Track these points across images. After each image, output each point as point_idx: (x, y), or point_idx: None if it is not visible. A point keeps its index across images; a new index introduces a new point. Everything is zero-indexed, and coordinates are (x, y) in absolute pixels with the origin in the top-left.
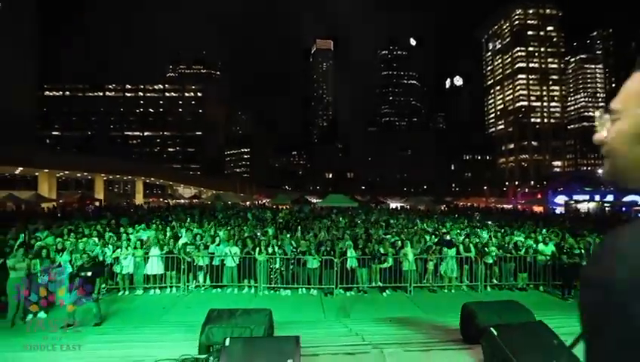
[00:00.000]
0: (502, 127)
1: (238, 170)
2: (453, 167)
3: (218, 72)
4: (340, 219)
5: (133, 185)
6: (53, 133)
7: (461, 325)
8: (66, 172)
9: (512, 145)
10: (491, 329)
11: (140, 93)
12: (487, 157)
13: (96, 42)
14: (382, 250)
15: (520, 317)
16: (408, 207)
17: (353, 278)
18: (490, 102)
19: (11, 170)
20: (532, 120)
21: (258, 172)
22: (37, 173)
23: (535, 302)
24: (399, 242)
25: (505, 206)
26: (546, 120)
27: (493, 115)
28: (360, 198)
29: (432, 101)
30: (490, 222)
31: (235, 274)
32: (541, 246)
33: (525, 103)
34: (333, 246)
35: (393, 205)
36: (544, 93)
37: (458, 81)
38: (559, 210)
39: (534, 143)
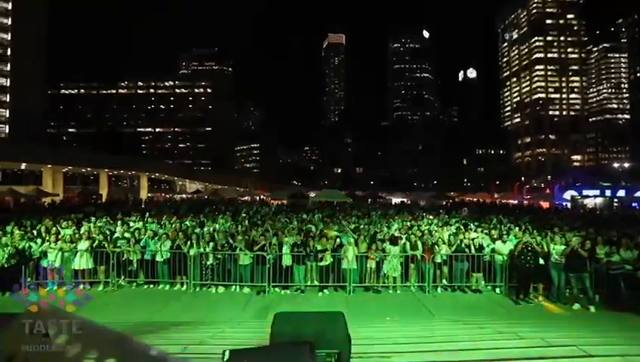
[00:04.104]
0: (518, 120)
1: (248, 166)
2: (465, 162)
3: (230, 68)
4: (318, 215)
5: (138, 180)
6: (69, 130)
7: (270, 336)
8: (70, 167)
9: (528, 139)
10: (226, 351)
11: (152, 90)
12: (502, 152)
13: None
14: (319, 247)
15: (331, 333)
16: (409, 202)
17: (291, 276)
18: (506, 94)
19: (16, 166)
20: (550, 112)
21: (268, 167)
22: (42, 169)
23: (481, 306)
24: (338, 239)
25: (511, 201)
26: (564, 112)
27: (508, 108)
28: (359, 194)
29: (445, 94)
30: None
31: (165, 270)
32: (498, 245)
33: (543, 95)
34: (266, 242)
35: (395, 200)
36: (563, 84)
37: (472, 73)
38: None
39: (552, 137)
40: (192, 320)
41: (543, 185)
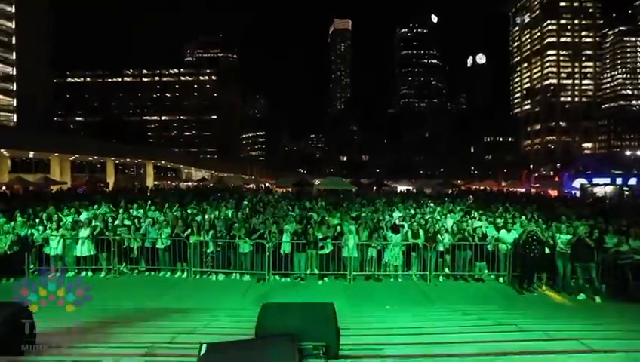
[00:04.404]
0: (527, 107)
1: (253, 154)
2: (473, 150)
3: (235, 56)
4: (321, 203)
5: (145, 168)
6: (77, 118)
7: (256, 328)
8: (77, 155)
9: (538, 127)
10: (203, 345)
11: (157, 78)
12: (510, 140)
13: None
14: (320, 235)
15: (319, 324)
16: (415, 190)
17: (291, 264)
18: (516, 80)
19: (24, 154)
20: (561, 99)
21: (274, 155)
22: (50, 157)
23: (483, 296)
24: (338, 227)
25: (518, 189)
26: (576, 98)
27: (518, 95)
28: (364, 181)
29: (453, 81)
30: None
31: (166, 257)
32: (503, 234)
33: (554, 81)
34: (265, 230)
35: (401, 188)
36: (576, 69)
37: (481, 58)
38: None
39: (562, 124)
40: (189, 308)
41: (552, 173)
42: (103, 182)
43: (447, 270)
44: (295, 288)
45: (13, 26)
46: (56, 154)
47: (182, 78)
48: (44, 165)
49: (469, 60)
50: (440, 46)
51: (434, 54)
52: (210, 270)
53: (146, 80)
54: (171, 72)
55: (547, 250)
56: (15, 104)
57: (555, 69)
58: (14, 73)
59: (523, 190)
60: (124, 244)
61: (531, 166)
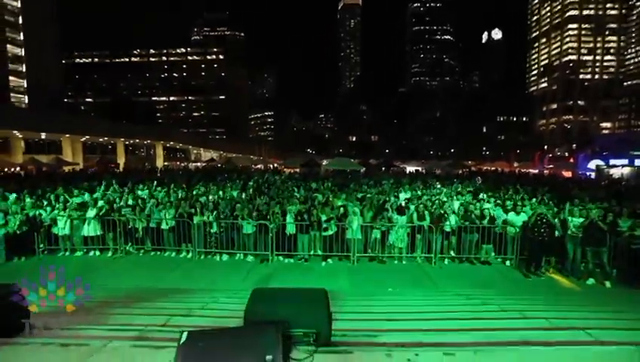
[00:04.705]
0: (544, 85)
1: (262, 134)
2: (485, 130)
3: (242, 34)
4: (327, 183)
5: (154, 149)
6: (87, 99)
7: (244, 313)
8: (87, 136)
9: (554, 106)
10: (184, 333)
11: (164, 58)
12: (525, 119)
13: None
14: (324, 216)
15: (309, 311)
16: (424, 171)
17: (295, 245)
18: (533, 57)
19: (36, 136)
20: (580, 76)
21: (282, 135)
22: (61, 138)
23: (489, 279)
24: (342, 209)
25: (531, 171)
26: (597, 75)
27: (535, 72)
28: (372, 162)
29: (467, 58)
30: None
31: (171, 237)
32: (511, 216)
33: (574, 57)
34: (268, 211)
35: (410, 169)
36: (598, 45)
37: (497, 34)
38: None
39: (581, 103)
40: (190, 288)
41: (566, 154)
42: (113, 163)
43: (452, 252)
44: (298, 269)
45: (19, 5)
46: (67, 135)
47: (189, 58)
48: (57, 146)
49: (484, 36)
50: (454, 21)
51: (447, 30)
52: (214, 250)
53: (153, 60)
54: (178, 51)
55: (558, 233)
56: (25, 85)
57: (575, 44)
58: (23, 54)
59: (536, 171)
60: (129, 225)
61: (545, 146)
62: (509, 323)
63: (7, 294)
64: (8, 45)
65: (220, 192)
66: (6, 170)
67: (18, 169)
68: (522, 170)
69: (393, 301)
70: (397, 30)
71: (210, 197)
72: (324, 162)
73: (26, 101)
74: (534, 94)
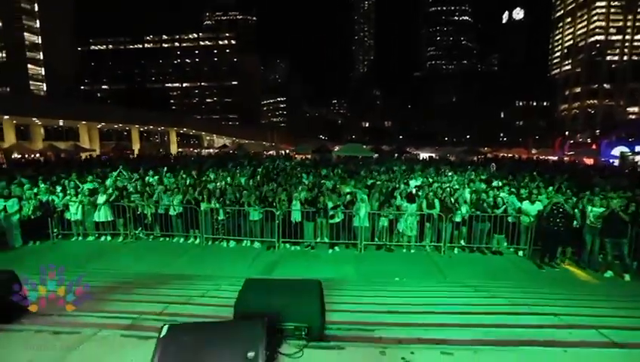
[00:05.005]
0: (568, 67)
1: (274, 120)
2: (502, 115)
3: (254, 18)
4: (337, 170)
5: (168, 135)
6: (103, 86)
7: (235, 304)
8: (103, 123)
9: (577, 89)
10: (164, 326)
11: (176, 44)
12: (545, 104)
13: None
14: (330, 204)
15: (302, 304)
16: (437, 157)
17: (302, 232)
18: (557, 38)
19: (54, 122)
20: (607, 58)
21: (295, 121)
22: (78, 125)
23: (499, 270)
24: (349, 196)
25: (550, 157)
26: (625, 57)
27: (558, 54)
28: (385, 148)
29: (486, 40)
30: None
31: (179, 223)
32: (525, 205)
33: (602, 38)
34: (274, 198)
35: (423, 155)
36: (628, 23)
37: (519, 14)
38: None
39: (606, 86)
40: (193, 274)
41: (589, 140)
42: (129, 150)
43: (462, 242)
44: (304, 256)
45: None
46: (83, 122)
47: (201, 43)
48: (75, 133)
49: (505, 16)
50: (472, 1)
51: (465, 10)
52: (221, 236)
53: (166, 45)
54: (190, 36)
55: (576, 224)
56: (43, 73)
57: (603, 23)
58: (40, 42)
59: (555, 158)
60: (138, 211)
61: (567, 132)
62: (516, 319)
63: (4, 281)
64: (25, 33)
65: (228, 178)
66: (26, 156)
67: (38, 155)
68: (541, 157)
69: (397, 291)
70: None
71: (217, 183)
72: (336, 148)
73: (44, 88)
74: (556, 77)
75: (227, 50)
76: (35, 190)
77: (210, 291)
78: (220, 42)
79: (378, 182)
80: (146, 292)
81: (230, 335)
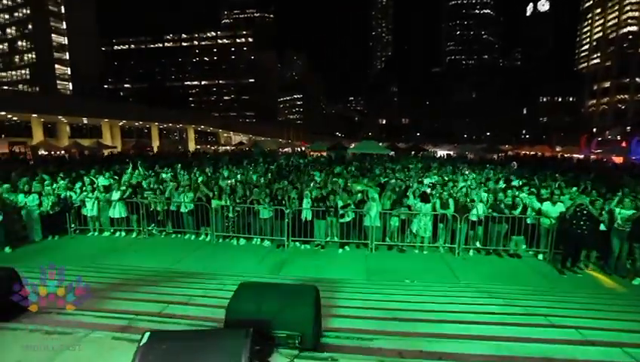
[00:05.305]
0: (596, 61)
1: (291, 117)
2: (525, 112)
3: (271, 15)
4: (351, 168)
5: (186, 133)
6: (125, 85)
7: (226, 309)
8: (124, 121)
9: (607, 84)
10: (146, 334)
11: (195, 42)
12: (571, 99)
13: None
14: (340, 203)
15: (295, 311)
16: (455, 155)
17: (312, 231)
18: (585, 30)
19: (79, 120)
20: None
21: (311, 118)
22: (101, 123)
23: (517, 274)
24: (360, 195)
25: (575, 155)
26: None
27: (586, 47)
28: (401, 146)
29: (508, 34)
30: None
31: (190, 220)
32: (546, 206)
33: (634, 29)
34: (284, 196)
35: (441, 153)
36: None
37: (544, 5)
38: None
39: (638, 80)
40: (201, 272)
41: (619, 137)
42: (148, 147)
43: (478, 243)
44: (314, 256)
45: None
46: (106, 120)
47: (219, 41)
48: (98, 131)
49: (529, 8)
50: None
51: (487, 3)
52: (231, 234)
53: (185, 44)
54: (209, 35)
55: (603, 227)
56: (69, 72)
57: (636, 14)
58: (66, 42)
59: (581, 156)
60: (150, 207)
61: (594, 129)
62: (531, 331)
63: (3, 279)
64: (53, 35)
65: (238, 176)
66: (52, 153)
67: (62, 152)
68: (565, 155)
69: (406, 295)
70: (432, 6)
71: (227, 181)
72: (352, 146)
73: (70, 88)
74: (584, 71)
75: (244, 48)
76: (55, 186)
77: (213, 291)
78: (238, 40)
79: (392, 181)
80: (149, 291)
81: (213, 345)
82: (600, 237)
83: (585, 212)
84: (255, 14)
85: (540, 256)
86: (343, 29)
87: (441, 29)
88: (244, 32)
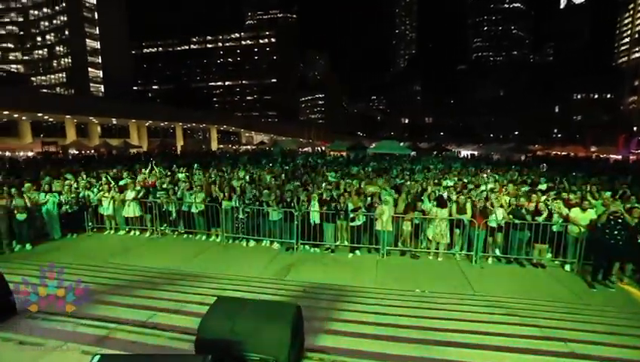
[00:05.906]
0: (638, 55)
1: (313, 117)
2: (557, 110)
3: (294, 15)
4: (368, 168)
5: (209, 133)
6: (153, 87)
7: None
8: (150, 121)
9: None
10: (96, 356)
11: (219, 44)
12: (609, 96)
13: None
14: (351, 206)
15: (271, 332)
16: (479, 155)
17: (322, 234)
18: (626, 21)
19: (108, 121)
20: None
21: (333, 118)
22: (129, 123)
23: (539, 286)
24: (371, 198)
25: (612, 156)
26: None
27: (626, 40)
28: (423, 145)
29: (540, 29)
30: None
31: (201, 221)
32: (575, 212)
33: None
34: (292, 197)
35: (465, 153)
36: None
37: None
38: None
39: None
40: (206, 274)
41: None
42: (173, 146)
43: (498, 251)
44: (323, 260)
45: (94, 1)
46: (133, 120)
47: (242, 43)
48: (126, 131)
49: (563, 0)
50: None
51: None
52: (241, 236)
53: (210, 46)
54: (232, 36)
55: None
56: (102, 75)
57: None
58: (99, 46)
59: (618, 157)
60: (163, 207)
61: (634, 128)
62: None
63: None
64: (87, 39)
65: (247, 177)
66: (82, 152)
67: (92, 151)
68: (601, 156)
69: (413, 308)
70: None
71: (240, 181)
72: (372, 145)
73: (102, 90)
74: (623, 66)
75: (267, 49)
76: (75, 185)
77: (209, 296)
78: (261, 41)
79: (408, 183)
80: (141, 294)
81: None
82: (637, 248)
83: (620, 220)
84: (278, 15)
85: (567, 267)
86: (366, 28)
87: (468, 25)
88: (267, 33)
